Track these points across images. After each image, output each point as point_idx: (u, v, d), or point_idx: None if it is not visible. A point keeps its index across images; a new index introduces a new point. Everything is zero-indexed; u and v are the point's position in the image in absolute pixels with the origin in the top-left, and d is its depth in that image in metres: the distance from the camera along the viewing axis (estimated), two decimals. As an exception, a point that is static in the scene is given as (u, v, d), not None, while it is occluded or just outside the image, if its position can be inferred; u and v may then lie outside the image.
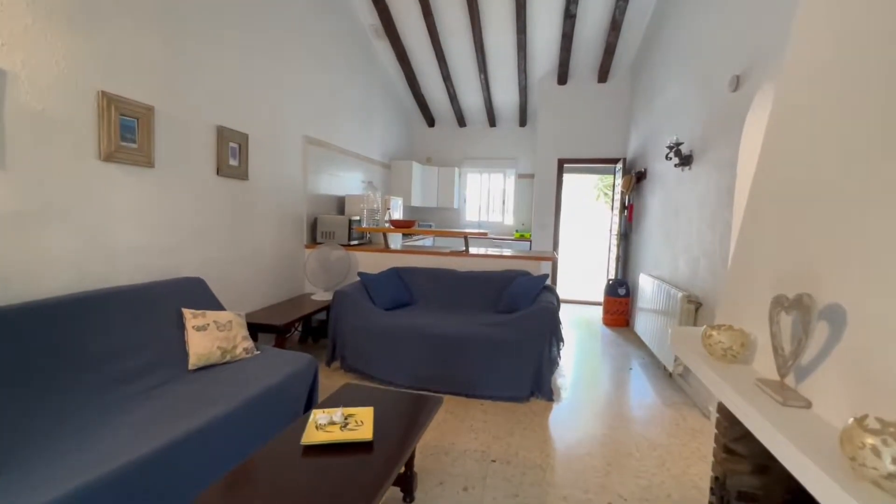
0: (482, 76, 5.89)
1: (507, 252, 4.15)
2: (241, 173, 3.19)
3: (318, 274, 3.80)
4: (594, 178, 12.63)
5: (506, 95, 6.47)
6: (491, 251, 4.13)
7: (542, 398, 2.94)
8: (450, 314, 3.37)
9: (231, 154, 3.09)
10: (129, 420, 1.72)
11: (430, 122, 7.45)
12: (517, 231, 7.08)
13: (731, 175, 2.65)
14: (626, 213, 5.33)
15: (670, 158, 3.54)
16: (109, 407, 1.80)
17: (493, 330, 2.98)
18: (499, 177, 7.49)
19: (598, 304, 6.15)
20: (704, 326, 1.38)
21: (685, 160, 3.37)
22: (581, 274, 9.48)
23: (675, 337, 1.67)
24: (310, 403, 2.48)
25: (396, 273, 3.77)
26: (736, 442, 1.50)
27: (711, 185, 2.93)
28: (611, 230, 6.06)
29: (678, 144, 3.38)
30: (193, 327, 2.32)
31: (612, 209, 6.04)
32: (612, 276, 5.63)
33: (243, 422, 1.94)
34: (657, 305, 3.67)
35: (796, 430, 0.93)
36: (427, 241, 6.41)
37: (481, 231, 3.70)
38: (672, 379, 3.43)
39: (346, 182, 4.96)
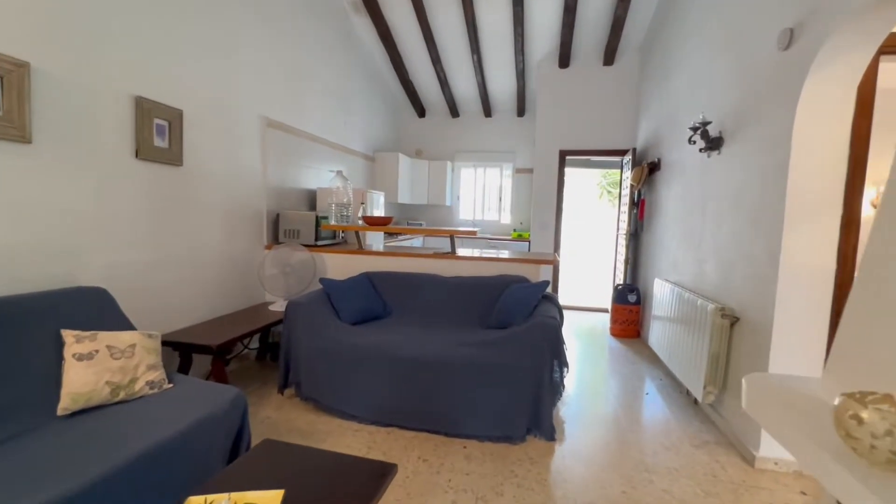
0: (475, 57, 5.30)
1: (502, 254, 3.56)
2: (171, 157, 2.60)
3: (276, 280, 3.22)
4: (596, 174, 12.06)
5: (502, 81, 5.88)
6: (486, 253, 3.54)
7: (542, 437, 2.35)
8: (429, 330, 2.78)
9: (158, 133, 2.50)
10: None
11: (421, 111, 6.87)
12: (515, 231, 6.49)
13: (781, 156, 2.07)
14: (635, 210, 4.74)
15: (693, 143, 2.96)
16: None
17: (481, 351, 2.40)
18: (495, 172, 6.90)
19: (604, 310, 5.57)
20: (841, 399, 0.78)
21: (713, 143, 2.78)
22: (584, 277, 8.88)
23: (754, 393, 1.08)
24: (236, 452, 1.89)
25: (368, 279, 3.18)
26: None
27: (752, 171, 2.35)
28: (618, 229, 5.48)
29: (704, 124, 2.79)
30: (74, 355, 1.73)
31: (619, 206, 5.46)
32: (619, 280, 5.04)
33: (121, 495, 1.36)
34: (676, 317, 3.08)
35: None
36: (416, 242, 5.82)
37: (469, 230, 3.09)
38: (697, 406, 2.84)
39: (321, 174, 4.38)
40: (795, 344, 2.04)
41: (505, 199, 6.86)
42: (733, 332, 2.45)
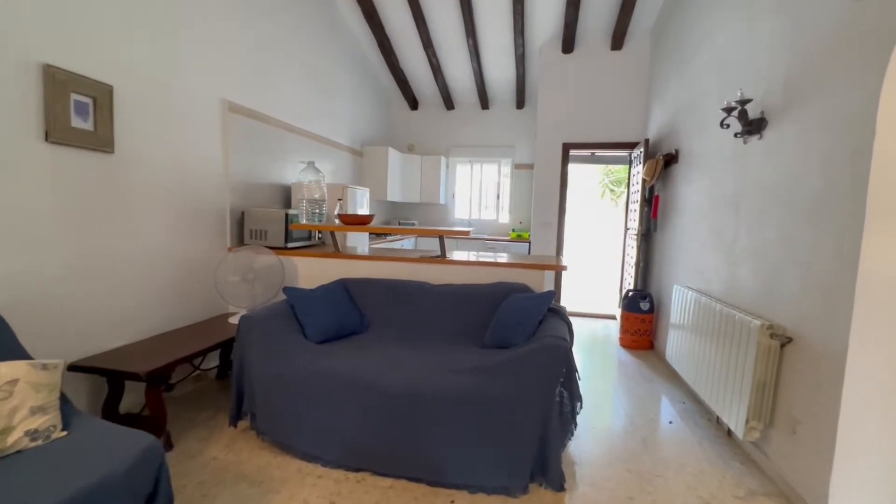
0: (470, 42, 4.85)
1: (500, 258, 3.11)
2: (98, 142, 2.14)
3: (237, 288, 2.75)
4: (597, 173, 11.62)
5: (500, 68, 5.43)
6: (482, 256, 3.09)
7: (548, 486, 1.90)
8: (412, 349, 2.32)
9: (77, 112, 2.04)
10: None
11: (413, 103, 6.41)
12: (513, 231, 6.04)
13: (859, 137, 1.61)
14: (648, 208, 4.29)
15: (726, 127, 2.51)
16: None
17: (473, 380, 1.94)
18: (493, 168, 6.45)
19: (610, 317, 5.12)
20: None
21: (753, 126, 2.33)
22: (587, 281, 8.43)
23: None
24: (149, 526, 1.43)
25: (343, 287, 2.72)
26: None
27: (812, 156, 1.89)
28: (626, 229, 5.03)
29: (743, 103, 2.34)
30: (-85, 401, 1.27)
31: (628, 204, 5.01)
32: (628, 284, 4.59)
33: None
34: (703, 331, 2.63)
35: None
36: (408, 243, 5.37)
37: (461, 229, 2.63)
38: (732, 438, 2.39)
39: (299, 168, 3.92)
40: (879, 375, 1.59)
41: (503, 196, 6.40)
42: (784, 356, 2.00)
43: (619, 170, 11.14)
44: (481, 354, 2.22)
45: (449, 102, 6.24)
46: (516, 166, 6.24)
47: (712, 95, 2.94)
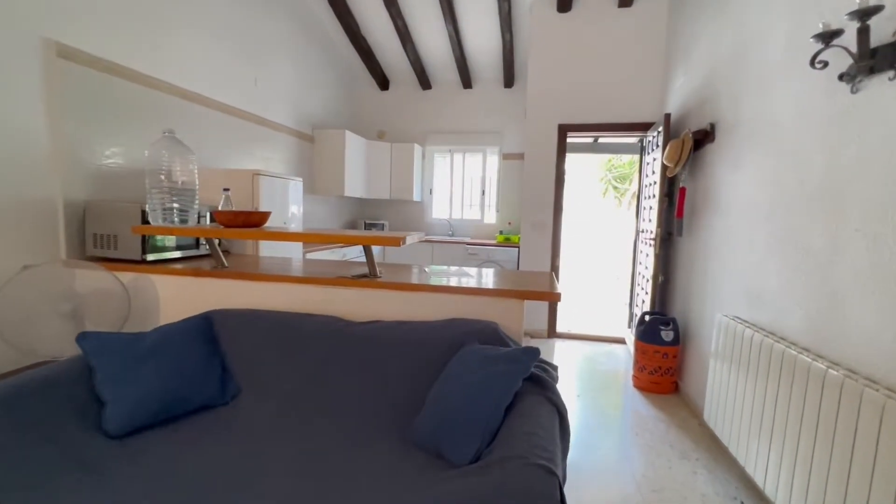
0: (442, -5, 3.86)
1: (469, 278, 2.12)
2: None
3: (47, 325, 1.76)
4: (598, 167, 10.62)
5: (482, 33, 4.43)
6: (438, 276, 2.11)
7: None
8: (294, 451, 1.33)
9: None
10: None
11: (383, 82, 5.42)
12: (501, 233, 5.04)
13: None
14: (670, 204, 3.31)
15: (821, 66, 1.51)
16: None
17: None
18: (477, 158, 5.45)
19: (617, 341, 4.12)
20: None
21: (878, 58, 1.34)
22: (588, 294, 7.45)
23: None
24: None
25: (206, 327, 1.73)
26: None
27: None
28: (638, 231, 4.04)
29: (865, 14, 1.34)
30: None
31: (640, 200, 4.02)
32: (642, 302, 3.59)
33: None
34: (774, 392, 1.65)
35: None
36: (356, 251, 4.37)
37: (394, 235, 1.64)
38: None
39: (203, 150, 2.94)
40: None
41: (490, 192, 5.40)
42: None
43: (624, 164, 10.15)
44: (407, 462, 1.23)
45: (424, 80, 5.24)
46: (505, 156, 5.24)
47: (777, 33, 1.95)
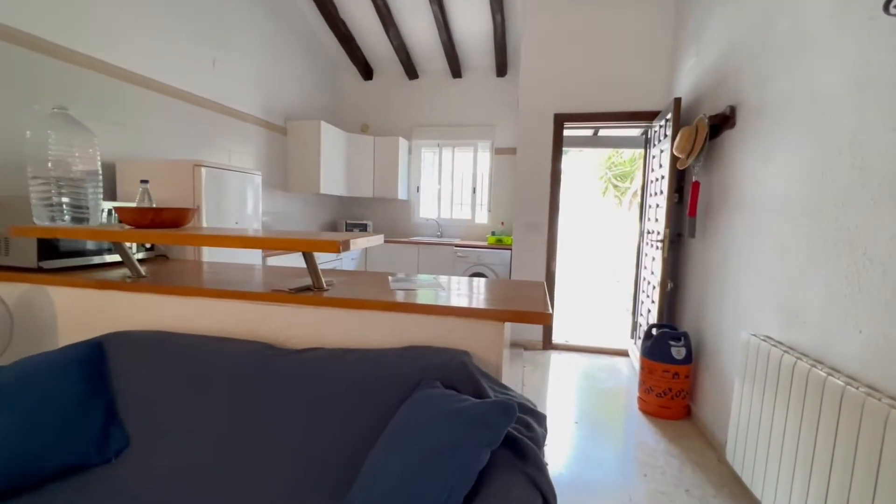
0: (424, -31, 3.47)
1: (440, 295, 1.74)
2: None
3: None
4: (598, 164, 10.24)
5: (472, 15, 4.04)
6: (403, 286, 1.73)
7: None
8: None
9: None
10: None
11: (366, 72, 5.03)
12: (493, 234, 4.65)
13: None
14: (679, 200, 2.94)
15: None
16: None
17: None
18: (467, 153, 5.06)
19: (619, 353, 3.74)
20: None
21: None
22: (586, 300, 7.09)
23: None
24: None
25: (96, 356, 1.33)
26: None
27: None
28: (643, 232, 3.66)
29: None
30: None
31: (644, 197, 3.64)
32: (648, 312, 3.21)
33: None
34: (824, 436, 1.27)
35: None
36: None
37: (329, 238, 1.24)
38: None
39: (137, 136, 2.56)
40: None
41: (481, 190, 5.02)
42: None
43: (625, 161, 9.77)
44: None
45: (410, 68, 4.85)
46: (497, 151, 4.86)
47: (826, -15, 1.57)
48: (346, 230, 4.84)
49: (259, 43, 3.64)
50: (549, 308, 1.33)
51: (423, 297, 1.44)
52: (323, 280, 1.52)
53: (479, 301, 1.46)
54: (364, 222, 4.95)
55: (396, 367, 1.23)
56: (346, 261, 4.19)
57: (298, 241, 1.34)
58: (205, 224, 2.29)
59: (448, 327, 1.35)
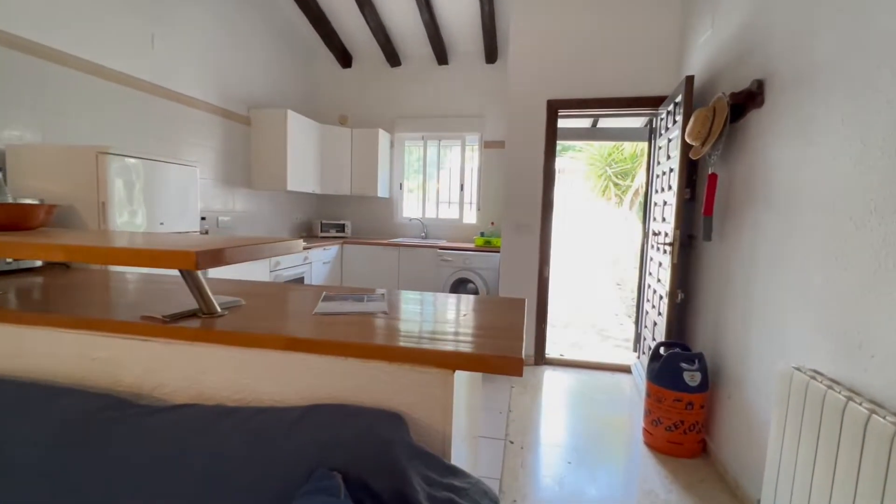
0: (398, -67, 3.05)
1: (409, 303, 1.32)
2: None
3: None
4: (597, 161, 9.81)
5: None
6: (339, 318, 1.31)
7: None
8: None
9: None
10: None
11: (344, 58, 4.61)
12: (481, 235, 4.23)
13: None
14: (691, 196, 2.53)
15: None
16: None
17: None
18: (454, 147, 4.65)
19: (621, 370, 3.31)
20: None
21: None
22: (584, 308, 6.66)
23: None
24: None
25: None
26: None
27: None
28: (647, 233, 3.24)
29: None
30: None
31: (650, 193, 3.22)
32: (654, 326, 2.79)
33: None
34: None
35: None
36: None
37: (183, 249, 0.80)
38: None
39: (82, 129, 2.15)
40: None
41: (470, 188, 4.60)
42: None
43: (626, 158, 9.34)
44: None
45: (392, 55, 4.43)
46: (487, 144, 4.44)
47: None
48: (322, 231, 4.42)
49: (211, 18, 3.21)
50: (521, 351, 0.90)
51: (347, 329, 1.02)
52: (216, 303, 1.10)
53: (425, 333, 1.04)
54: (342, 222, 4.53)
55: (284, 442, 0.81)
56: (316, 265, 3.77)
57: (124, 252, 0.92)
58: (114, 227, 1.87)
59: (371, 375, 0.93)
